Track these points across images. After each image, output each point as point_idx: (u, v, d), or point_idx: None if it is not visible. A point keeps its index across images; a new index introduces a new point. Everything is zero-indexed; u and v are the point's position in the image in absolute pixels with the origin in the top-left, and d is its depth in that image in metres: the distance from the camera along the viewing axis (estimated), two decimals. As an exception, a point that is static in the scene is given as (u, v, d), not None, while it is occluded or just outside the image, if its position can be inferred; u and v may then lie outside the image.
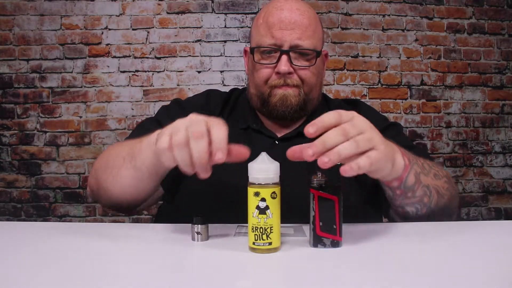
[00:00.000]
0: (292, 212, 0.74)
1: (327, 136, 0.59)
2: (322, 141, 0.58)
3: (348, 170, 0.59)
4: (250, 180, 0.61)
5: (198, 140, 0.60)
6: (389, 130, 1.01)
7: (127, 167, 0.79)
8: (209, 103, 1.08)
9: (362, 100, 2.52)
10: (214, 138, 0.60)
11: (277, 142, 1.01)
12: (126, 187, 0.82)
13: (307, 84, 0.98)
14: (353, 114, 0.62)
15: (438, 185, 0.84)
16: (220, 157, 0.60)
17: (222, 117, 1.04)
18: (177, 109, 1.07)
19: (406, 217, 0.85)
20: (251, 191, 0.61)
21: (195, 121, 0.62)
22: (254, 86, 1.02)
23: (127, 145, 0.83)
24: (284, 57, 0.95)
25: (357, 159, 0.60)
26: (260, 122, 1.05)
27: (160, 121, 1.02)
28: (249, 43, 1.08)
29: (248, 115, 1.06)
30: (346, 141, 0.59)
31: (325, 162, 0.58)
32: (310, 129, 0.59)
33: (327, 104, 1.11)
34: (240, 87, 1.19)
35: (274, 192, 0.61)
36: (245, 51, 1.09)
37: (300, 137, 1.01)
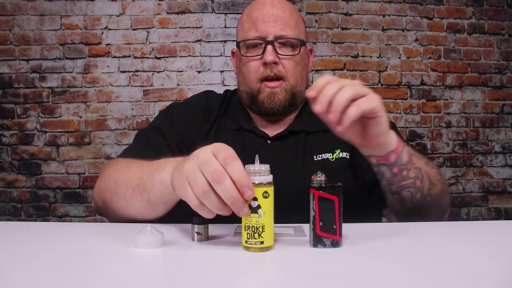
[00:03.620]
0: (288, 209, 0.74)
1: (325, 88, 0.66)
2: (323, 94, 0.66)
3: (341, 124, 0.67)
4: None
5: (222, 182, 0.57)
6: None
7: (138, 199, 0.78)
8: (209, 104, 1.09)
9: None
10: (235, 177, 0.57)
11: (269, 142, 1.02)
12: (138, 214, 0.81)
13: (292, 75, 0.99)
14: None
15: (430, 172, 0.84)
16: (249, 194, 0.58)
17: (218, 119, 1.05)
18: (178, 113, 1.07)
19: (402, 206, 0.85)
20: None
21: (205, 160, 0.59)
22: (243, 83, 1.03)
23: (135, 172, 0.81)
24: (269, 47, 0.97)
25: (346, 110, 0.67)
26: (252, 122, 1.05)
27: (161, 129, 1.02)
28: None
29: (240, 115, 1.06)
30: (341, 90, 0.66)
31: (331, 118, 0.66)
32: (309, 92, 0.67)
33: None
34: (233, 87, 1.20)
35: (266, 192, 0.61)
36: (233, 52, 1.11)
37: (291, 135, 1.02)
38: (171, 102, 2.46)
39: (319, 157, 0.99)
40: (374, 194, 0.96)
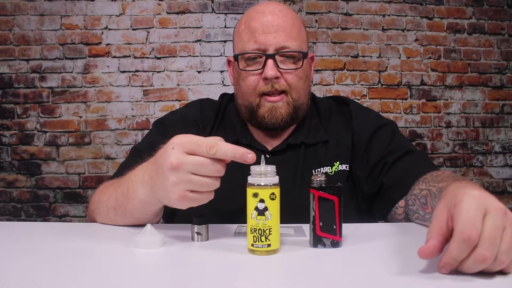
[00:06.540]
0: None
1: (463, 267, 0.51)
2: (458, 270, 0.51)
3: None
4: (250, 181, 0.61)
5: (222, 171, 0.63)
6: (382, 130, 0.99)
7: (123, 218, 0.79)
8: (203, 116, 1.04)
9: (362, 100, 2.53)
10: (230, 157, 0.62)
11: (267, 156, 0.97)
12: (128, 224, 0.81)
13: (294, 89, 0.94)
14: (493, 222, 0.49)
15: None
16: (252, 156, 0.61)
17: (213, 132, 1.01)
18: (172, 127, 1.01)
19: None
20: (250, 191, 0.60)
21: (195, 163, 0.62)
22: (241, 97, 0.98)
23: (111, 193, 0.81)
24: (270, 62, 0.91)
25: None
26: (249, 135, 1.01)
27: (154, 144, 0.91)
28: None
29: (237, 127, 1.02)
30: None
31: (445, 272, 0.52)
32: (443, 271, 0.52)
33: (315, 106, 1.06)
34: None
35: (273, 193, 0.60)
36: (229, 61, 1.05)
37: (290, 149, 0.98)
38: (171, 102, 2.47)
39: (317, 171, 0.96)
40: (372, 205, 0.96)
